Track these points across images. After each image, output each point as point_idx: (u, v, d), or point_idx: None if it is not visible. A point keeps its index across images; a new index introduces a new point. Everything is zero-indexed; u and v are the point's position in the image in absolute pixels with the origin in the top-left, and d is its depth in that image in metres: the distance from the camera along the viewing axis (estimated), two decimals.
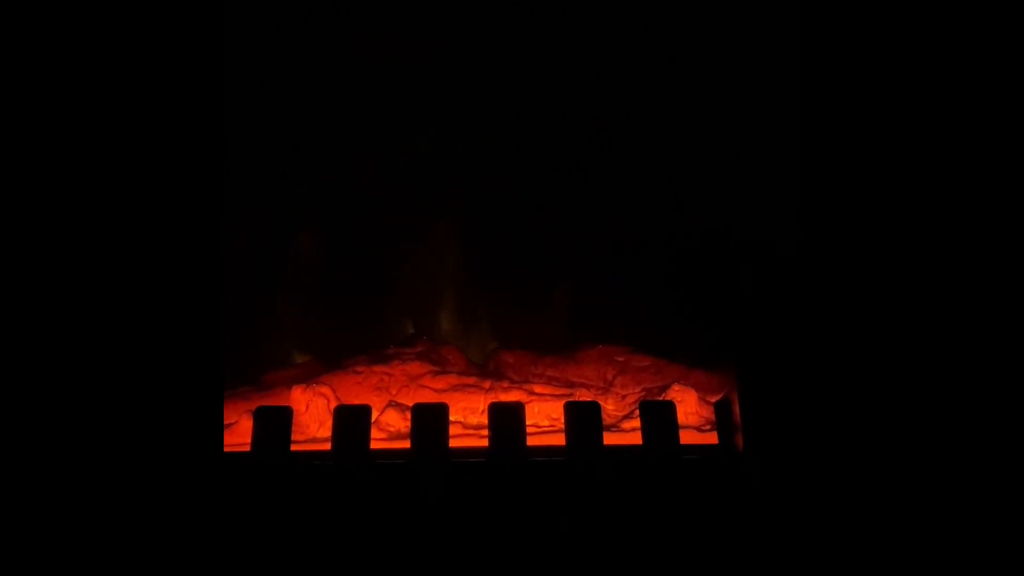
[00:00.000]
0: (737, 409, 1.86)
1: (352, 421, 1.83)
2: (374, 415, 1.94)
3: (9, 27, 1.68)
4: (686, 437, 1.89)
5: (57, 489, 1.60)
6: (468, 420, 2.16)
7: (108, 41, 1.73)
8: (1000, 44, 1.83)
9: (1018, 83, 1.81)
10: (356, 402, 2.06)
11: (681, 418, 1.91)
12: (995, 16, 1.84)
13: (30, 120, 1.69)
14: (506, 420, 1.82)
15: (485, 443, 1.84)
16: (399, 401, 2.20)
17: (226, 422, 2.07)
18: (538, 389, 2.25)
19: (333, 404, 2.10)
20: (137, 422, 1.65)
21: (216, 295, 1.76)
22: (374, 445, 1.85)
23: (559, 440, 1.85)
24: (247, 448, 1.84)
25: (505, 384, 2.28)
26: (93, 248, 1.69)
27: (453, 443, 1.83)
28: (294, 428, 1.88)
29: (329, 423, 1.91)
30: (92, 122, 1.72)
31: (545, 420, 2.13)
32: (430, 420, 1.82)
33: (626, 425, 2.09)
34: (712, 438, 1.95)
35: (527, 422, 1.84)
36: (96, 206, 1.71)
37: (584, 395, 2.24)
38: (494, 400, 2.02)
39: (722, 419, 1.93)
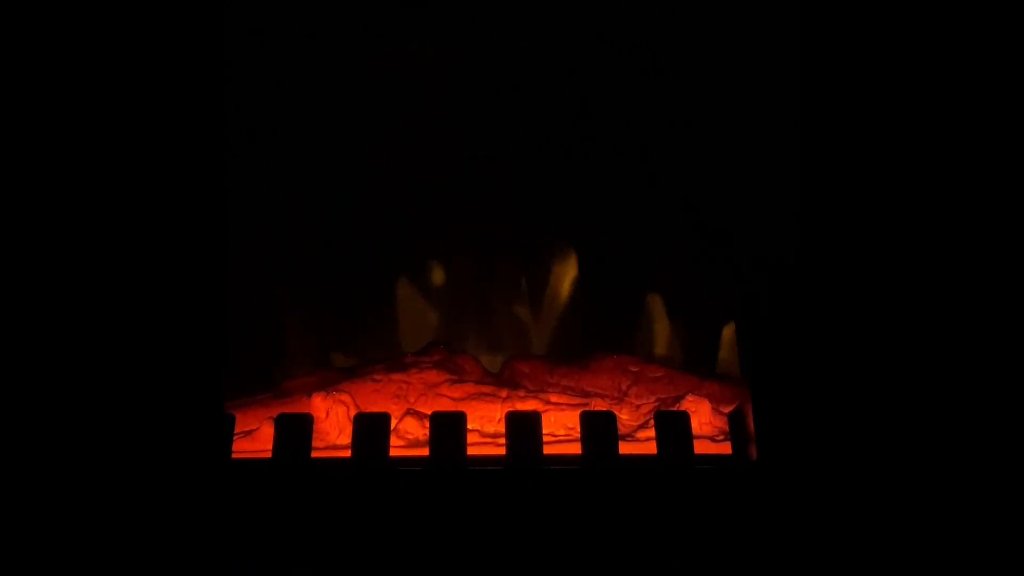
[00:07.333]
0: (751, 419, 1.88)
1: (372, 428, 1.87)
2: (393, 423, 1.96)
3: (7, 22, 1.71)
4: (700, 447, 1.91)
5: (58, 492, 1.62)
6: (485, 428, 2.18)
7: (107, 29, 1.74)
8: (1005, 46, 1.84)
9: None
10: (375, 410, 2.09)
11: (695, 428, 1.93)
12: (997, 16, 1.86)
13: (28, 115, 1.71)
14: (523, 429, 1.85)
15: (502, 451, 1.87)
16: (417, 409, 2.23)
17: (247, 429, 2.10)
18: (554, 398, 2.27)
19: (353, 411, 2.13)
20: (137, 425, 1.67)
21: (218, 293, 1.78)
22: (393, 452, 1.88)
23: (575, 449, 1.88)
24: (268, 454, 1.88)
25: (521, 393, 2.30)
26: (94, 248, 1.71)
27: (471, 451, 1.86)
28: (314, 435, 1.91)
29: (349, 430, 1.95)
30: (84, 111, 1.73)
31: (561, 429, 2.16)
32: (448, 428, 1.85)
33: (641, 435, 2.11)
34: (726, 448, 1.97)
35: (543, 431, 1.87)
36: (96, 204, 1.72)
37: (599, 405, 2.26)
38: (511, 409, 2.05)
39: (736, 429, 1.95)
